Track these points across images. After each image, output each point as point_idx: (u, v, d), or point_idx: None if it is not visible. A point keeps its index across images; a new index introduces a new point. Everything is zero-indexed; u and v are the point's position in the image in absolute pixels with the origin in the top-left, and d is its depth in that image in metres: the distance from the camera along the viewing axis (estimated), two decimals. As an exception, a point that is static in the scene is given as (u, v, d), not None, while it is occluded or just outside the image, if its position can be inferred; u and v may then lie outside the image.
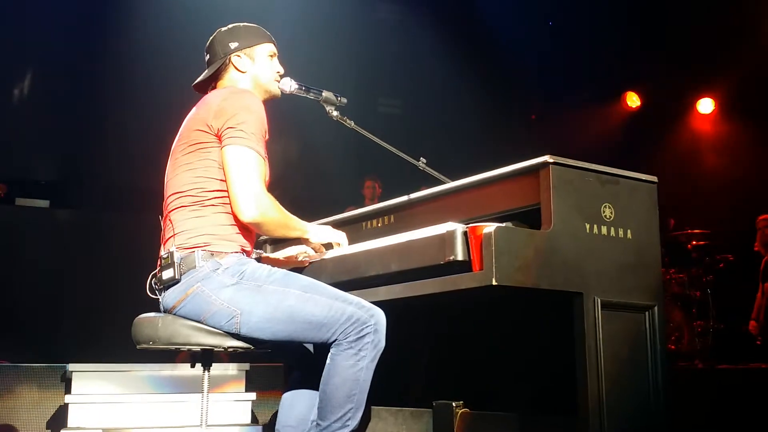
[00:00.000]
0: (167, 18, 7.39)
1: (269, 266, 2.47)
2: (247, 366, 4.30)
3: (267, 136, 2.47)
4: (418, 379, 3.18)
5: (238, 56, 2.62)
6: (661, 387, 2.36)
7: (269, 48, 2.68)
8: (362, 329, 2.31)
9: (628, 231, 2.37)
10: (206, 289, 2.33)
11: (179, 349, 2.43)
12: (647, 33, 8.19)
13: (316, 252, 2.71)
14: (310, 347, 2.61)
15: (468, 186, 2.57)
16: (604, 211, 2.33)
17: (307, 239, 2.62)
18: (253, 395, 4.17)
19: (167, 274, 2.37)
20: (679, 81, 8.31)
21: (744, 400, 4.00)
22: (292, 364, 2.73)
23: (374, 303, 2.39)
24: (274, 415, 4.13)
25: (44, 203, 7.38)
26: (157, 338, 2.37)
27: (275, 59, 2.71)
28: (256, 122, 2.40)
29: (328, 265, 2.62)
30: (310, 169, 8.45)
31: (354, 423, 2.32)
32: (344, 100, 2.86)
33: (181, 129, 2.56)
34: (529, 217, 2.28)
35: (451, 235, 2.17)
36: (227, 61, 2.62)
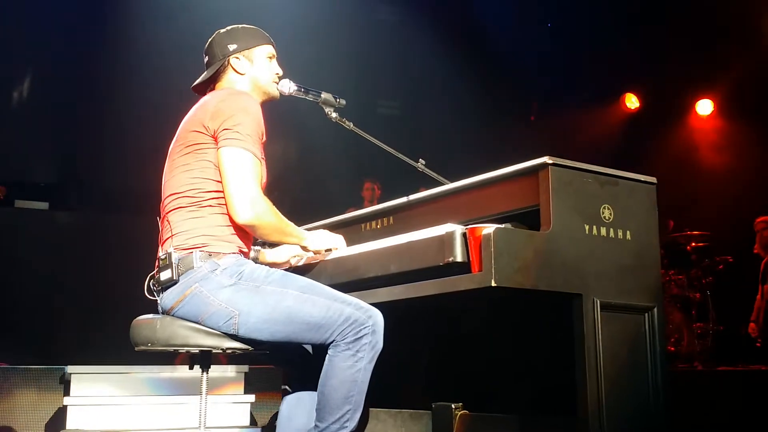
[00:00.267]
0: (166, 20, 7.39)
1: (267, 267, 2.46)
2: (245, 368, 4.30)
3: (264, 138, 2.46)
4: (417, 381, 3.17)
5: (237, 58, 2.62)
6: (660, 388, 2.36)
7: (268, 50, 2.68)
8: (360, 330, 2.31)
9: (628, 232, 2.37)
10: (204, 290, 2.32)
11: (178, 350, 2.42)
12: (646, 34, 8.19)
13: (315, 255, 2.70)
14: (308, 349, 2.61)
15: (467, 187, 2.57)
16: (603, 212, 2.33)
17: (305, 247, 2.60)
18: (251, 397, 4.17)
19: (165, 275, 2.36)
20: (677, 82, 8.31)
21: (743, 402, 4.00)
22: (290, 371, 2.72)
23: (373, 304, 2.39)
24: (273, 417, 4.14)
25: (43, 205, 7.38)
26: (156, 340, 2.37)
27: (274, 61, 2.70)
28: (252, 124, 2.40)
29: (327, 267, 2.62)
30: (310, 171, 8.45)
31: (352, 424, 2.31)
32: (343, 102, 2.86)
33: (178, 130, 2.56)
34: (529, 219, 2.28)
35: (450, 236, 2.16)
36: (226, 62, 2.62)
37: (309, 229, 2.66)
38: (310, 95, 2.82)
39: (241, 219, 2.34)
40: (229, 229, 2.41)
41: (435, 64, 8.74)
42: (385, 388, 2.65)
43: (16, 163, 7.44)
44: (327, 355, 2.33)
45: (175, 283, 2.35)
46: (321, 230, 2.68)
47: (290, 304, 2.31)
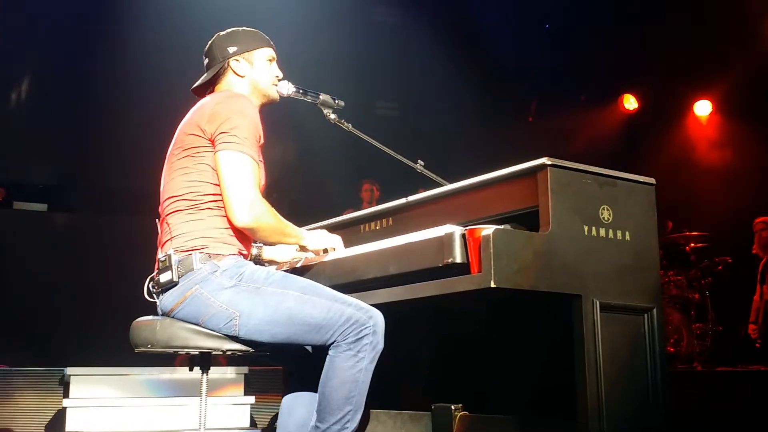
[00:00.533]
0: (165, 22, 7.39)
1: (267, 268, 2.47)
2: (245, 369, 4.30)
3: (262, 141, 2.46)
4: (417, 382, 3.17)
5: (237, 60, 2.62)
6: (660, 389, 2.36)
7: (268, 52, 2.68)
8: (361, 331, 2.31)
9: (627, 233, 2.37)
10: (205, 292, 2.33)
11: (177, 352, 2.42)
12: (644, 35, 8.20)
13: (314, 255, 2.72)
14: (309, 350, 2.61)
15: (466, 188, 2.57)
16: (602, 213, 2.33)
17: (304, 246, 2.62)
18: (251, 399, 4.17)
19: (165, 277, 2.36)
20: (676, 83, 8.32)
21: (743, 402, 4.00)
22: (291, 369, 2.73)
23: (373, 305, 2.39)
24: (273, 419, 4.14)
25: (42, 207, 7.39)
26: (156, 341, 2.37)
27: (274, 64, 2.71)
28: (249, 127, 2.40)
29: (326, 268, 2.62)
30: (308, 172, 8.45)
31: (353, 425, 2.31)
32: (342, 103, 2.86)
33: (176, 133, 2.56)
34: (528, 220, 2.28)
35: (449, 237, 2.17)
36: (226, 65, 2.62)
37: (309, 230, 2.67)
38: (309, 97, 2.82)
39: (240, 222, 2.35)
40: (229, 231, 2.41)
41: (434, 65, 8.75)
42: (385, 389, 2.65)
43: (14, 164, 7.44)
44: (328, 356, 2.34)
45: (175, 285, 2.35)
46: (319, 230, 2.69)
47: (291, 305, 2.31)
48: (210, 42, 2.68)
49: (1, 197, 6.94)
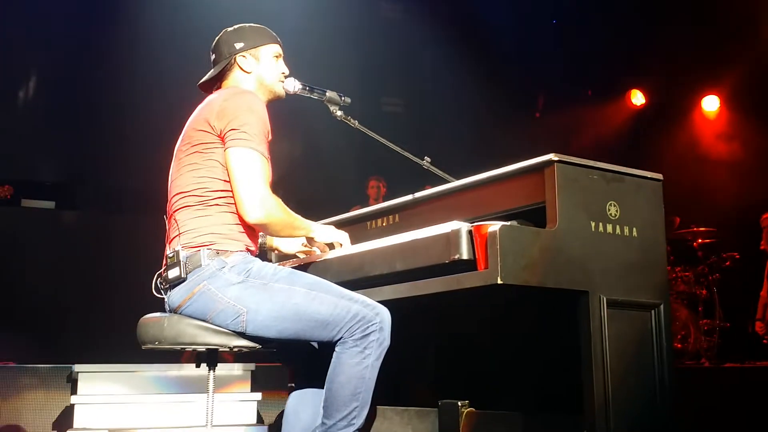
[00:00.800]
0: (171, 19, 7.40)
1: (275, 264, 2.48)
2: (252, 366, 4.30)
3: (270, 137, 2.47)
4: (424, 379, 3.17)
5: (244, 56, 2.63)
6: (667, 386, 2.35)
7: (275, 49, 2.69)
8: (368, 327, 2.32)
9: (634, 229, 2.37)
10: (212, 288, 2.33)
11: (184, 349, 2.43)
12: (651, 30, 8.17)
13: (320, 251, 2.73)
14: (315, 347, 2.61)
15: (473, 185, 2.57)
16: (609, 209, 2.33)
17: (312, 238, 2.64)
18: (258, 395, 4.18)
19: (173, 273, 2.37)
20: (683, 78, 8.28)
21: (750, 399, 3.99)
22: (296, 368, 2.73)
23: (379, 302, 2.39)
24: (280, 415, 4.14)
25: (50, 204, 7.41)
26: (163, 338, 2.37)
27: (281, 60, 2.71)
28: (258, 123, 2.41)
29: (333, 264, 2.62)
30: (315, 170, 8.45)
31: (359, 421, 2.32)
32: (348, 100, 2.86)
33: (184, 129, 2.57)
34: (534, 216, 2.28)
35: (456, 233, 2.16)
36: (232, 61, 2.62)
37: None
38: (315, 94, 2.82)
39: (252, 218, 2.36)
40: (237, 227, 2.42)
41: (440, 61, 8.74)
42: (392, 385, 2.65)
43: (22, 162, 7.46)
44: (334, 352, 2.34)
45: (183, 281, 2.36)
46: (328, 225, 2.71)
47: (298, 301, 2.32)
48: (217, 38, 2.68)
49: (9, 195, 6.95)
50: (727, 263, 6.57)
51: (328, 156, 8.27)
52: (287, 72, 2.72)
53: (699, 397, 4.06)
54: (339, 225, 2.89)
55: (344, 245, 2.67)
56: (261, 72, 2.64)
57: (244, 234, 2.43)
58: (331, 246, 2.70)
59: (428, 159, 2.84)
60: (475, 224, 2.16)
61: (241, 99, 2.46)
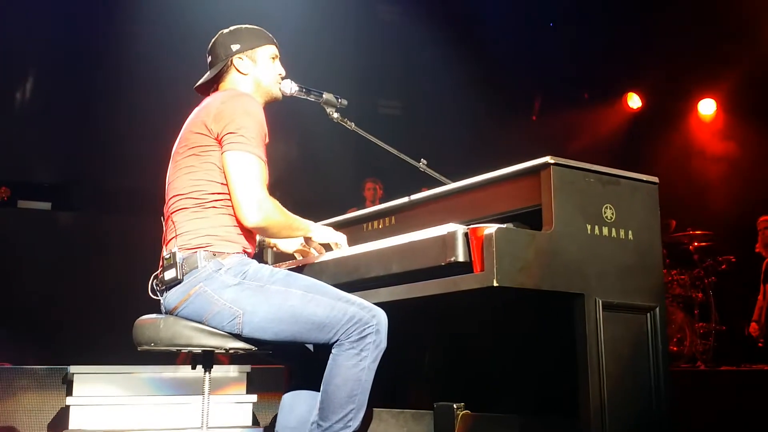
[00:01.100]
0: (168, 21, 7.40)
1: (271, 266, 2.48)
2: (248, 368, 4.30)
3: (267, 139, 2.47)
4: (420, 381, 3.17)
5: (240, 58, 2.63)
6: (662, 388, 2.36)
7: (271, 50, 2.68)
8: (364, 329, 2.32)
9: (630, 232, 2.37)
10: (209, 289, 2.33)
11: (180, 350, 2.42)
12: (648, 33, 8.18)
13: (317, 252, 2.73)
14: (311, 349, 2.62)
15: (469, 187, 2.57)
16: (605, 212, 2.33)
17: (310, 237, 2.65)
18: (254, 397, 4.17)
19: (170, 275, 2.37)
20: (680, 81, 8.30)
21: (746, 402, 3.99)
22: (293, 367, 2.74)
23: (376, 304, 2.39)
24: (275, 418, 4.13)
25: (46, 205, 7.40)
26: (159, 340, 2.37)
27: (277, 61, 2.71)
28: (255, 126, 2.41)
29: (329, 266, 2.62)
30: (311, 171, 8.45)
31: (355, 424, 2.32)
32: (345, 102, 2.86)
33: (181, 132, 2.57)
34: (531, 218, 2.28)
35: (452, 236, 2.17)
36: (229, 62, 2.62)
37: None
38: (312, 95, 2.82)
39: (250, 222, 2.36)
40: (234, 230, 2.42)
41: (437, 63, 8.74)
42: (388, 387, 2.65)
43: (18, 163, 7.46)
44: (331, 354, 2.34)
45: (179, 283, 2.36)
46: (326, 226, 2.72)
47: (295, 303, 2.32)
48: (213, 40, 2.68)
49: (6, 196, 6.95)
50: (723, 266, 6.58)
51: (324, 158, 8.27)
52: (284, 73, 2.72)
53: (695, 400, 4.07)
54: (335, 227, 2.89)
55: (341, 247, 2.67)
56: (258, 74, 2.64)
57: (241, 236, 2.43)
58: (328, 247, 2.70)
59: (424, 161, 2.84)
60: (472, 227, 2.16)
61: (238, 102, 2.46)
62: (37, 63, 7.72)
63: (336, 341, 2.32)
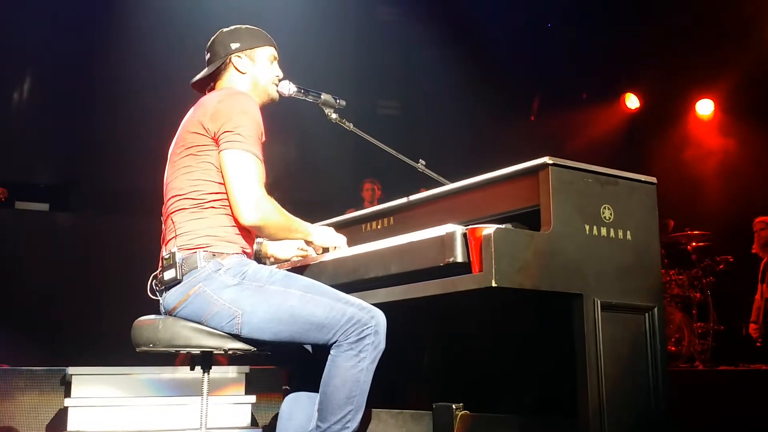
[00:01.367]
0: (166, 21, 7.40)
1: (270, 267, 2.47)
2: (246, 369, 4.30)
3: (263, 138, 2.47)
4: (419, 382, 3.17)
5: (239, 57, 2.63)
6: (661, 388, 2.36)
7: (270, 51, 2.69)
8: (363, 330, 2.32)
9: (628, 232, 2.37)
10: (208, 290, 2.33)
11: (179, 351, 2.42)
12: (646, 33, 8.19)
13: (315, 254, 2.73)
14: (310, 350, 2.61)
15: (467, 188, 2.57)
16: (603, 213, 2.33)
17: (311, 241, 2.63)
18: (253, 398, 4.17)
19: (169, 275, 2.37)
20: (678, 82, 8.31)
21: (744, 402, 4.00)
22: (291, 371, 2.73)
23: (374, 305, 2.39)
24: (274, 418, 4.14)
25: (44, 207, 7.40)
26: (158, 341, 2.37)
27: (275, 63, 2.71)
28: (252, 125, 2.41)
29: (328, 267, 2.62)
30: (309, 172, 8.45)
31: (354, 424, 2.32)
32: (343, 103, 2.87)
33: (178, 132, 2.57)
34: (529, 219, 2.28)
35: (450, 236, 2.17)
36: (227, 61, 2.62)
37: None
38: (310, 96, 2.83)
39: (248, 221, 2.35)
40: (233, 230, 2.41)
41: (435, 64, 8.75)
42: (387, 388, 2.65)
43: (16, 164, 7.45)
44: (329, 355, 2.34)
45: (179, 283, 2.36)
46: (327, 227, 2.71)
47: (294, 303, 2.32)
48: (213, 38, 2.68)
49: (4, 197, 6.95)
50: (721, 266, 6.60)
51: (322, 158, 8.27)
52: (281, 75, 2.72)
53: (693, 400, 4.07)
54: (334, 228, 2.89)
55: (341, 248, 2.66)
56: (256, 73, 2.64)
57: (240, 236, 2.43)
58: (326, 250, 2.69)
59: (423, 162, 2.85)
60: (470, 227, 2.16)
61: (234, 100, 2.46)
62: (36, 64, 7.71)
63: (334, 342, 2.32)
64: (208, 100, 2.52)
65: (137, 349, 2.44)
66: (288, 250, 2.85)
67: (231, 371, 4.27)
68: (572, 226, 2.25)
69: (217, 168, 2.40)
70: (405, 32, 8.90)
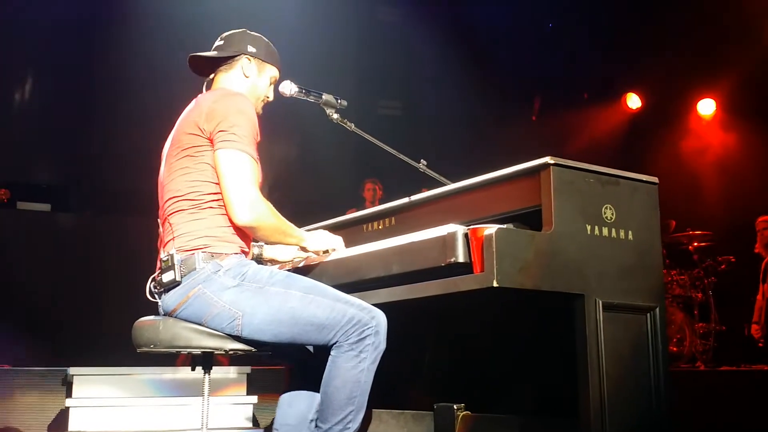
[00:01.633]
0: (166, 21, 7.40)
1: (271, 268, 2.47)
2: (248, 369, 4.30)
3: (259, 138, 2.47)
4: (420, 382, 3.17)
5: (249, 60, 2.63)
6: (662, 389, 2.36)
7: (275, 73, 2.71)
8: (363, 331, 2.31)
9: (629, 232, 2.37)
10: (208, 291, 2.33)
11: (180, 352, 2.42)
12: (648, 33, 8.18)
13: (315, 257, 2.72)
14: (311, 350, 2.61)
15: (469, 188, 2.57)
16: (605, 213, 2.33)
17: (305, 248, 2.62)
18: (254, 398, 4.17)
19: (168, 277, 2.36)
20: (679, 82, 8.29)
21: (746, 402, 3.99)
22: (291, 372, 2.73)
23: (375, 305, 2.39)
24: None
25: (45, 207, 7.40)
26: (158, 341, 2.37)
27: (273, 86, 2.72)
28: (247, 125, 2.40)
29: (329, 267, 2.62)
30: (311, 172, 8.45)
31: (355, 425, 2.32)
32: (344, 103, 2.86)
33: (173, 132, 2.56)
34: (530, 219, 2.28)
35: (452, 236, 2.16)
36: (239, 57, 2.62)
37: (310, 230, 2.67)
38: (312, 96, 2.82)
39: (241, 221, 2.35)
40: (231, 230, 2.41)
41: (436, 64, 8.75)
42: (388, 388, 2.64)
43: (18, 164, 7.45)
44: (330, 356, 2.34)
45: (178, 285, 2.35)
46: (320, 231, 2.68)
47: (294, 304, 2.32)
48: (235, 31, 2.67)
49: (5, 197, 6.95)
50: (723, 266, 6.59)
51: (324, 159, 8.27)
52: (271, 99, 2.72)
53: (694, 400, 4.06)
54: (335, 228, 2.89)
55: (338, 250, 2.65)
56: (256, 83, 2.65)
57: (238, 236, 2.43)
58: (325, 252, 2.68)
59: (424, 162, 2.84)
60: (471, 227, 2.16)
61: (230, 100, 2.45)
62: (36, 64, 7.72)
63: (335, 343, 2.32)
64: (204, 100, 2.51)
65: (138, 350, 2.43)
66: (287, 252, 2.84)
67: (232, 372, 4.27)
68: (574, 226, 2.25)
69: (213, 168, 2.40)
70: (406, 33, 8.90)
